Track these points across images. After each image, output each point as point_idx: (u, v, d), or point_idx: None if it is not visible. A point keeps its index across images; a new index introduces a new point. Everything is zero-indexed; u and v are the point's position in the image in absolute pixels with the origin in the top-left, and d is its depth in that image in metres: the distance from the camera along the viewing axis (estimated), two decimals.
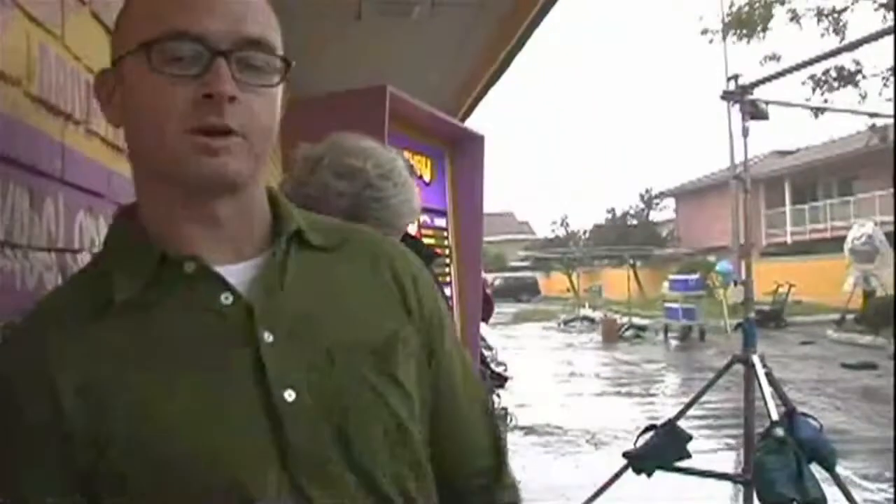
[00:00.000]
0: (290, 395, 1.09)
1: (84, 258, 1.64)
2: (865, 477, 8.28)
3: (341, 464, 1.11)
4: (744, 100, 5.26)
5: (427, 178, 4.85)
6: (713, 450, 8.98)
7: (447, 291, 4.71)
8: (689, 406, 5.50)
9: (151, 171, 1.13)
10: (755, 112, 5.24)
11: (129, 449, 1.04)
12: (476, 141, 5.18)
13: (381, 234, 2.27)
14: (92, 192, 1.71)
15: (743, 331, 5.45)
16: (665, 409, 10.99)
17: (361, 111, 3.82)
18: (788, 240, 42.75)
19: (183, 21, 1.08)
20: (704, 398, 5.82)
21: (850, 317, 23.36)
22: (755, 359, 5.15)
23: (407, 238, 2.98)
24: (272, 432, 1.07)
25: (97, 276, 1.14)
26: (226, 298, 1.11)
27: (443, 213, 5.06)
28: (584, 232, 57.04)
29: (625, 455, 5.44)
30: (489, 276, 11.18)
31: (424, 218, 4.68)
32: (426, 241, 4.37)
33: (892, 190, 35.45)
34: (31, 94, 1.42)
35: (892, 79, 18.53)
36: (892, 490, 7.94)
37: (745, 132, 5.39)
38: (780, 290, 26.70)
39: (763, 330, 24.52)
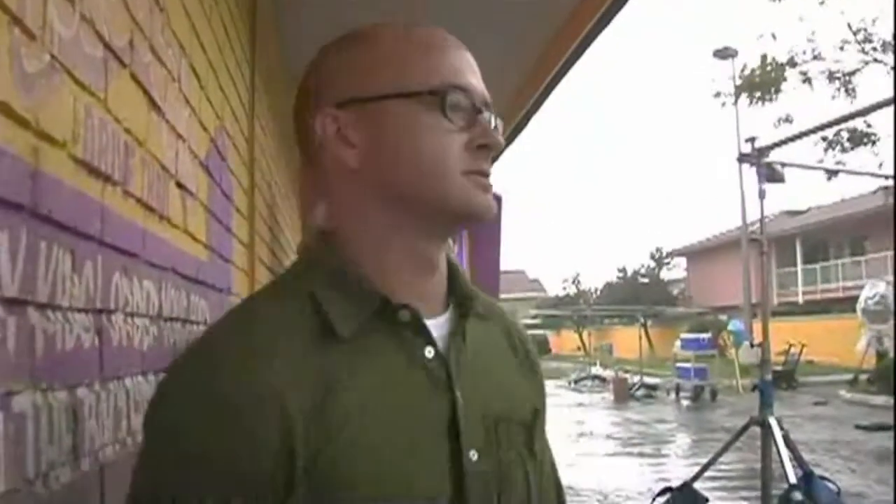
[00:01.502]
0: (474, 456, 1.14)
1: (118, 319, 1.65)
2: None
3: None
4: (760, 163, 5.28)
5: None
6: None
7: None
8: (705, 468, 5.47)
9: (408, 210, 1.18)
10: (772, 175, 5.26)
11: (336, 482, 1.05)
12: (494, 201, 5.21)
13: None
14: (128, 253, 1.72)
15: (760, 392, 5.42)
16: (677, 470, 10.91)
17: None
18: (800, 299, 42.65)
19: (458, 76, 1.19)
20: (717, 461, 5.78)
21: (863, 377, 23.21)
22: (772, 421, 5.13)
23: None
24: (454, 488, 1.12)
25: (307, 304, 1.14)
26: (429, 352, 1.16)
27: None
28: (596, 290, 57.07)
29: None
30: None
31: None
32: None
33: None
34: (76, 157, 1.43)
35: None
36: None
37: (762, 194, 5.42)
38: (792, 349, 26.59)
39: (775, 390, 24.34)
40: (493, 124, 1.21)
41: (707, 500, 5.23)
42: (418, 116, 1.16)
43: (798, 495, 4.65)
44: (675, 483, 5.59)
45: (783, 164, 5.32)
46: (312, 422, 1.05)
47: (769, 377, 5.48)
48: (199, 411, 1.03)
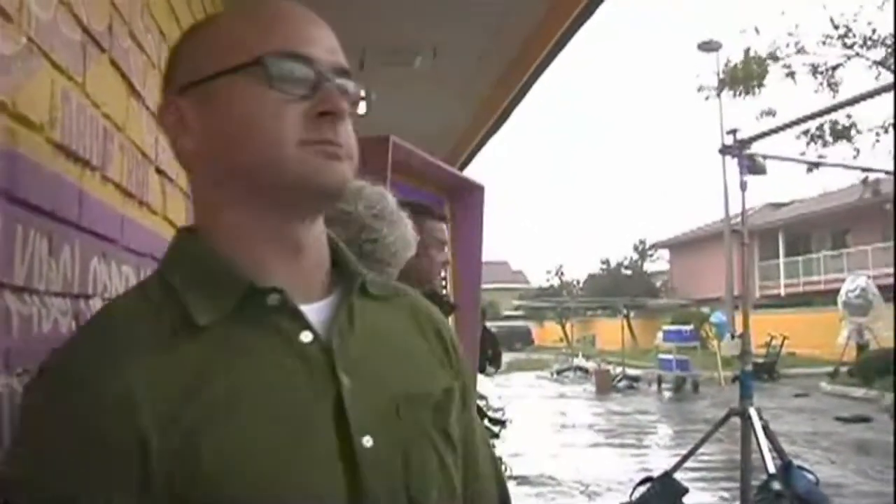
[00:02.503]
0: (368, 442, 1.08)
1: (96, 304, 1.65)
2: None
3: None
4: (742, 154, 5.30)
5: None
6: (708, 502, 8.93)
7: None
8: (685, 458, 5.50)
9: (249, 186, 1.12)
10: (753, 166, 5.28)
11: (207, 485, 0.99)
12: (476, 191, 5.21)
13: (381, 273, 2.29)
14: (106, 239, 1.72)
15: (740, 383, 5.45)
16: (659, 461, 10.94)
17: (365, 160, 3.84)
18: (782, 292, 42.81)
19: (293, 44, 1.12)
20: (699, 450, 5.81)
21: (843, 369, 23.33)
22: (752, 411, 5.15)
23: (427, 291, 2.99)
24: (348, 478, 1.06)
25: (168, 297, 1.10)
26: (305, 337, 1.10)
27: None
28: (579, 282, 57.11)
29: None
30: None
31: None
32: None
33: (885, 243, 35.67)
34: (53, 141, 1.43)
35: (884, 134, 18.68)
36: None
37: (744, 186, 5.43)
38: (774, 342, 26.74)
39: (756, 382, 24.40)
40: (347, 90, 1.15)
41: (687, 490, 5.25)
42: (245, 90, 1.11)
43: (777, 485, 4.68)
44: (655, 473, 5.61)
45: (765, 157, 5.35)
46: (171, 423, 0.99)
47: (749, 368, 5.51)
48: (53, 431, 0.99)
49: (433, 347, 1.29)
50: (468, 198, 5.17)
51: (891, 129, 18.70)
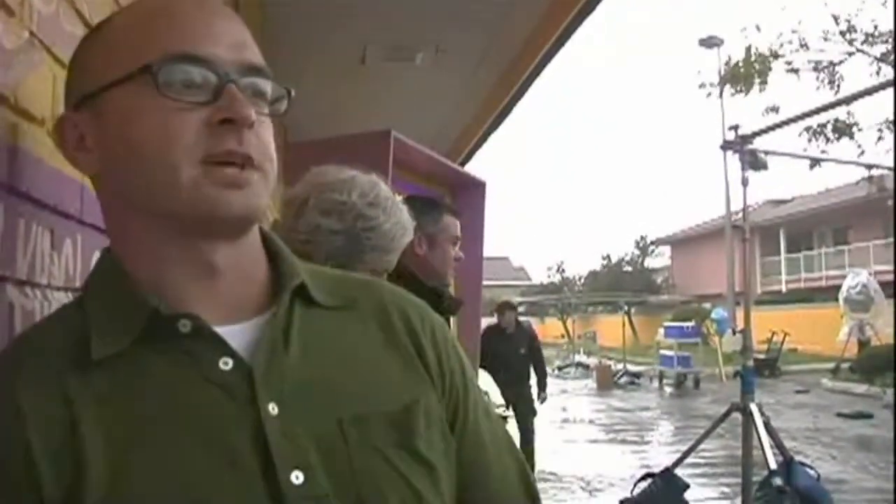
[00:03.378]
0: (297, 478, 0.95)
1: None
2: None
3: None
4: (744, 150, 5.30)
5: None
6: (709, 498, 8.93)
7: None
8: (686, 454, 5.49)
9: (147, 210, 1.01)
10: (754, 162, 5.28)
11: None
12: (478, 187, 5.21)
13: (381, 260, 2.28)
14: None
15: (741, 379, 5.44)
16: (660, 457, 10.96)
17: (366, 155, 3.83)
18: (783, 288, 42.78)
19: (187, 44, 0.99)
20: (700, 446, 5.80)
21: (844, 366, 23.32)
22: (753, 407, 5.15)
23: (429, 288, 2.99)
24: None
25: (77, 324, 1.01)
26: (224, 364, 0.99)
27: None
28: (580, 278, 57.09)
29: (622, 503, 5.42)
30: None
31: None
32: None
33: (886, 240, 35.65)
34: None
35: (886, 131, 18.66)
36: None
37: (745, 182, 5.43)
38: (775, 338, 26.73)
39: (757, 378, 24.41)
40: (260, 90, 1.04)
41: (688, 485, 5.24)
42: (135, 101, 0.98)
43: (778, 481, 4.67)
44: (656, 469, 5.60)
45: (766, 152, 5.35)
46: (59, 463, 0.92)
47: (751, 364, 5.50)
48: None
49: (400, 353, 1.13)
50: (469, 194, 5.17)
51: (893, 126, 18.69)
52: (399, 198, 2.49)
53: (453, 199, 5.16)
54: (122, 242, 1.05)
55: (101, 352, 0.97)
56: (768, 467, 4.79)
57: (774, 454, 5.02)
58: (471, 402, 1.19)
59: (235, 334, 1.01)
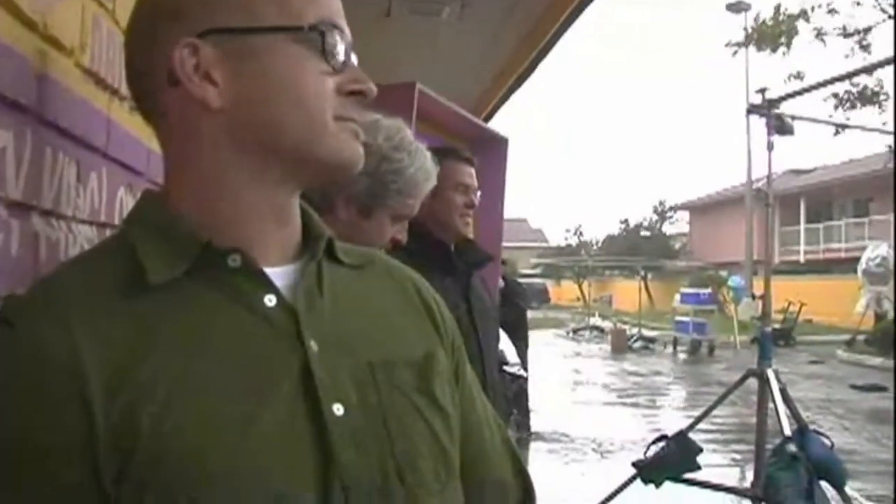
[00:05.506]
0: (338, 409, 1.01)
1: None
2: (870, 498, 8.26)
3: (389, 487, 1.03)
4: (770, 114, 5.24)
5: None
6: (720, 464, 8.94)
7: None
8: (701, 418, 5.49)
9: (271, 157, 1.07)
10: (781, 127, 5.22)
11: (158, 459, 0.92)
12: (500, 143, 5.18)
13: (404, 205, 2.27)
14: (132, 170, 1.70)
15: (759, 344, 5.43)
16: (671, 422, 10.96)
17: (390, 107, 3.80)
18: (802, 258, 42.65)
19: (335, 14, 1.10)
20: (712, 412, 5.80)
21: (860, 338, 23.29)
22: (770, 373, 5.13)
23: (458, 241, 2.96)
24: (318, 449, 0.99)
25: (123, 256, 1.02)
26: (269, 300, 1.04)
27: None
28: (597, 241, 57.01)
29: (634, 465, 5.43)
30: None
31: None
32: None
33: None
34: (83, 66, 1.41)
35: None
36: None
37: (770, 146, 5.37)
38: (791, 308, 26.68)
39: (773, 347, 24.45)
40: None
41: (702, 449, 5.25)
42: (294, 54, 1.05)
43: (792, 447, 4.67)
44: (669, 433, 5.60)
45: (793, 117, 5.29)
46: (118, 391, 0.93)
47: (769, 330, 5.48)
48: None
49: (414, 311, 1.22)
50: (491, 150, 5.12)
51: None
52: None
53: (475, 154, 5.13)
54: (194, 181, 1.07)
55: (157, 278, 1.00)
56: (783, 434, 4.78)
57: (789, 422, 5.00)
58: (466, 367, 1.29)
59: (277, 276, 1.07)
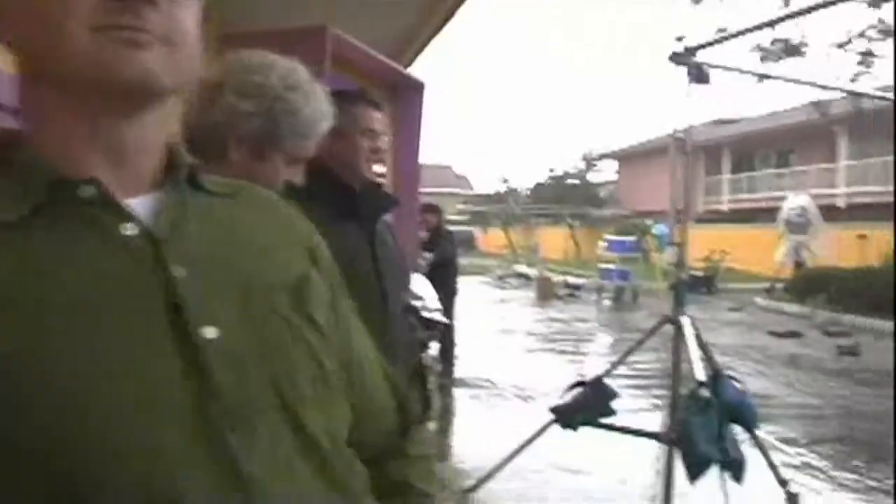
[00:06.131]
0: (210, 333, 0.98)
1: None
2: (785, 441, 8.47)
3: (269, 406, 1.01)
4: (689, 62, 5.24)
5: None
6: (640, 409, 9.07)
7: None
8: (616, 364, 5.53)
9: (53, 82, 0.99)
10: (699, 75, 5.23)
11: (16, 404, 0.88)
12: (417, 88, 5.12)
13: (299, 146, 2.21)
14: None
15: (674, 292, 5.47)
16: (595, 368, 11.06)
17: (300, 51, 3.70)
18: (725, 207, 43.28)
19: None
20: (634, 358, 5.86)
21: (779, 286, 23.77)
22: (684, 320, 5.18)
23: (366, 184, 2.91)
24: (191, 375, 0.95)
25: None
26: (127, 229, 0.99)
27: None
28: (525, 189, 57.17)
29: (551, 409, 5.46)
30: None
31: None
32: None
33: (828, 164, 36.13)
34: None
35: (837, 49, 18.70)
36: (809, 453, 8.15)
37: (689, 94, 5.38)
38: (714, 256, 27.13)
39: (694, 295, 24.86)
40: None
41: (617, 394, 5.30)
42: None
43: (705, 392, 4.73)
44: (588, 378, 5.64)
45: (710, 66, 5.30)
46: None
47: (685, 277, 5.53)
48: None
49: (288, 238, 1.20)
50: (408, 95, 5.08)
51: (845, 47, 18.69)
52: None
53: (392, 99, 5.07)
54: (33, 118, 1.02)
55: (5, 216, 0.95)
56: (696, 380, 4.83)
57: (704, 367, 5.06)
58: (344, 303, 1.27)
59: (136, 205, 1.02)
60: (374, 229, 2.87)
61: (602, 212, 46.43)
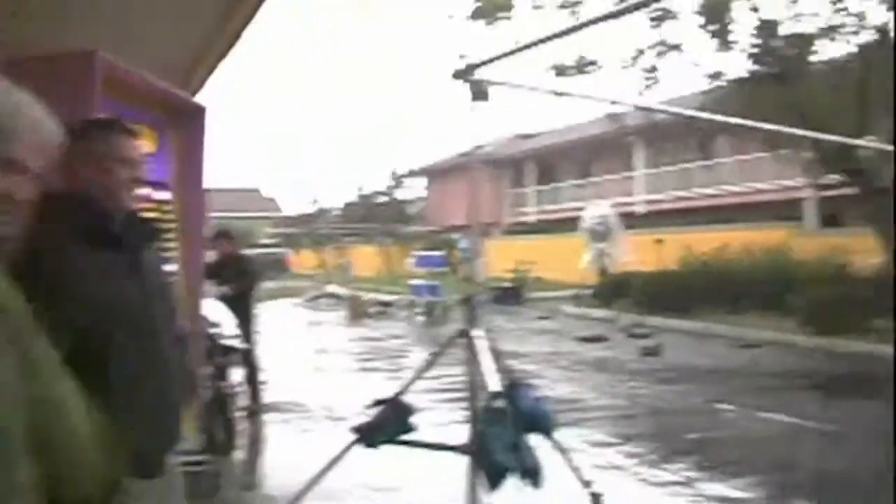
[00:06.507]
0: None
1: None
2: (593, 444, 8.73)
3: None
4: (471, 79, 5.32)
5: (149, 149, 4.65)
6: (451, 422, 9.15)
7: (172, 267, 4.55)
8: (412, 381, 5.55)
9: None
10: (478, 92, 5.32)
11: None
12: (197, 112, 5.04)
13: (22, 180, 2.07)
14: None
15: (466, 305, 5.55)
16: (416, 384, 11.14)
17: (68, 78, 3.60)
18: (532, 219, 44.30)
19: None
20: (443, 373, 5.88)
21: (585, 292, 24.50)
22: (478, 332, 5.25)
23: (127, 214, 2.82)
24: None
25: None
26: None
27: (166, 187, 4.89)
28: (335, 209, 57.08)
29: (353, 429, 5.45)
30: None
31: (146, 191, 4.48)
32: (149, 215, 4.17)
33: (626, 173, 37.51)
34: None
35: (630, 67, 19.40)
36: (615, 453, 8.42)
37: (472, 111, 5.47)
38: (522, 267, 27.77)
39: (504, 306, 25.40)
40: None
41: (415, 410, 5.33)
42: None
43: (499, 403, 4.80)
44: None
45: (491, 83, 5.40)
46: None
47: (476, 291, 5.63)
48: None
49: None
50: (189, 119, 4.99)
51: (636, 62, 19.39)
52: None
53: (174, 124, 4.97)
54: None
55: None
56: (490, 391, 4.91)
57: (501, 378, 5.13)
58: (38, 345, 1.20)
59: None
60: (139, 258, 2.79)
61: (411, 228, 46.85)
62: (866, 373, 13.57)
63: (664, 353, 15.31)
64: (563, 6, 21.06)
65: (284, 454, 8.57)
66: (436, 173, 53.58)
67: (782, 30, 17.20)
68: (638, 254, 24.98)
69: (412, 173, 55.64)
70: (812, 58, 17.55)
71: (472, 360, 5.30)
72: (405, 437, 5.34)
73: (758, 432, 9.55)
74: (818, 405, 11.16)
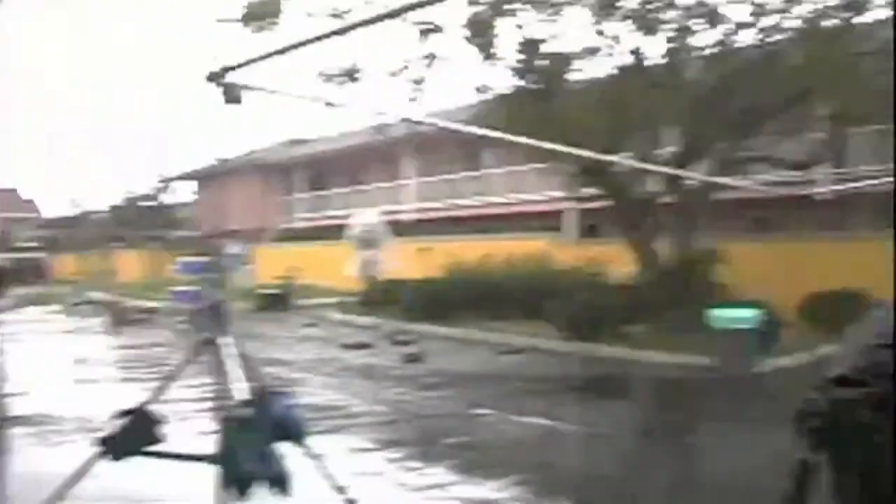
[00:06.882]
0: None
1: None
2: (353, 450, 8.76)
3: None
4: (223, 82, 5.27)
5: None
6: (211, 432, 9.01)
7: None
8: (159, 391, 5.44)
9: None
10: (230, 96, 5.27)
11: None
12: None
13: None
14: None
15: (214, 313, 5.50)
16: (170, 392, 10.86)
17: None
18: (302, 226, 44.09)
19: None
20: (203, 381, 5.76)
21: (351, 299, 24.60)
22: (224, 340, 5.21)
23: None
24: None
25: None
26: None
27: None
28: (100, 213, 55.08)
29: (98, 441, 5.29)
30: None
31: None
32: None
33: (391, 182, 37.96)
34: None
35: (394, 77, 19.59)
36: (375, 458, 8.50)
37: (227, 112, 5.44)
38: (290, 274, 27.64)
39: (271, 313, 25.16)
40: None
41: (161, 420, 5.22)
42: None
43: (246, 411, 4.78)
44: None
45: (244, 87, 5.36)
46: None
47: (222, 298, 5.61)
48: None
49: None
50: None
51: (402, 72, 19.59)
52: None
53: None
54: None
55: None
56: (236, 399, 4.88)
57: (251, 385, 5.09)
58: None
59: None
60: None
61: (179, 233, 45.76)
62: (620, 376, 14.27)
63: (427, 359, 15.53)
64: (334, 15, 21.15)
65: (34, 468, 8.20)
66: (206, 177, 52.49)
67: (544, 48, 17.77)
68: (404, 261, 25.33)
69: (181, 177, 54.34)
70: (572, 76, 18.20)
71: (219, 369, 5.24)
72: (152, 449, 5.23)
73: (514, 435, 9.85)
74: (574, 408, 11.65)
